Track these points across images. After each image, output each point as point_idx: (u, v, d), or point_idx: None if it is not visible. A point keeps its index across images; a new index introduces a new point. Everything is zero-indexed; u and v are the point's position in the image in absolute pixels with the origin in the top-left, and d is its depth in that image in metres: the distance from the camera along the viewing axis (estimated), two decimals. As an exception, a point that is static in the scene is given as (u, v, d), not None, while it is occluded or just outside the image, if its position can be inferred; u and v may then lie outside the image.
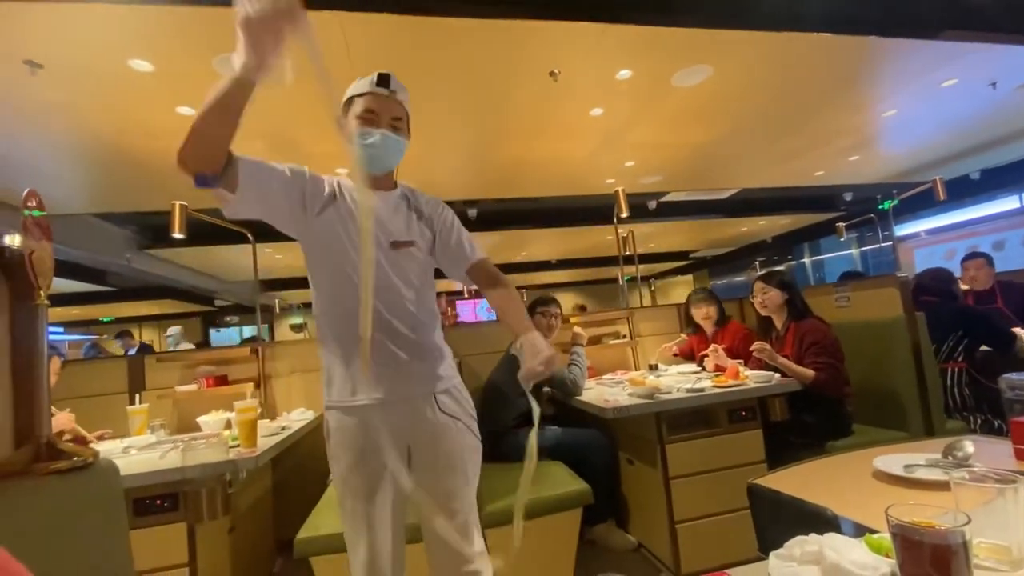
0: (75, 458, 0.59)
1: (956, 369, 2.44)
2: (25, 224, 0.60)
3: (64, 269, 6.16)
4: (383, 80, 1.18)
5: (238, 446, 1.72)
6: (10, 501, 0.56)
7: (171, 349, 5.96)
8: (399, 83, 1.20)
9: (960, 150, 5.98)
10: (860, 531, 0.77)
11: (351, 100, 1.20)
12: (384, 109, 1.18)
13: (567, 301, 12.01)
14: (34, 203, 0.66)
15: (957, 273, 2.89)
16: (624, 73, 3.21)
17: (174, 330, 6.24)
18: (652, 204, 7.12)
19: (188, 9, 2.23)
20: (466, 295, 10.69)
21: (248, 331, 12.80)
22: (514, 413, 2.36)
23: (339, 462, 1.19)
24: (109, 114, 3.15)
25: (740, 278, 12.75)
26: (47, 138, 3.43)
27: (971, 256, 3.12)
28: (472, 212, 6.61)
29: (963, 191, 7.19)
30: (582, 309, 7.92)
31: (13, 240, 0.65)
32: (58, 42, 2.40)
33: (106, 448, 1.94)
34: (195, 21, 2.34)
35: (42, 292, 0.62)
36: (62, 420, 1.93)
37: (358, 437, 1.16)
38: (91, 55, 2.52)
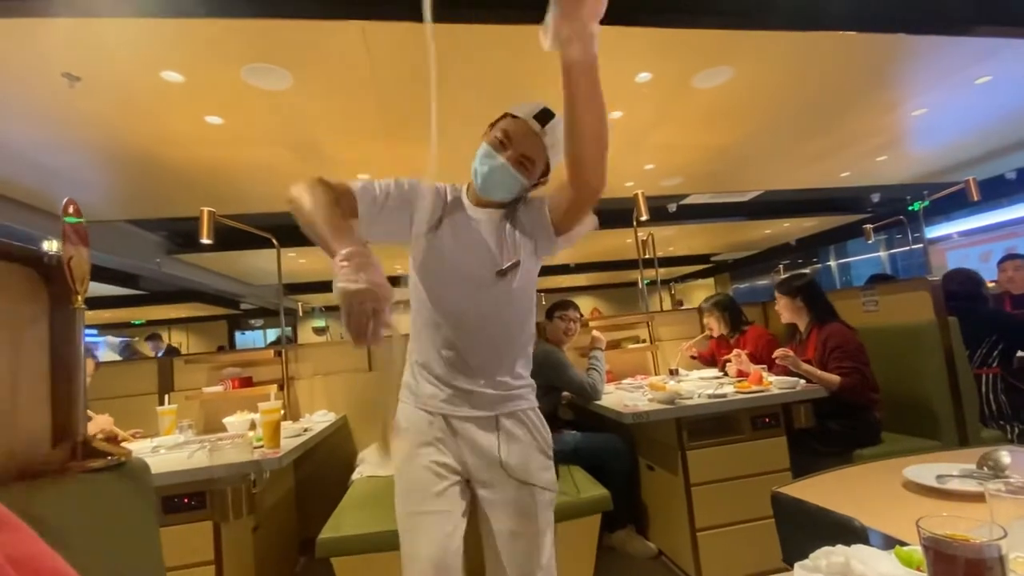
0: (109, 457, 0.62)
1: (991, 375, 2.35)
2: (64, 231, 0.63)
3: (98, 274, 6.40)
4: (542, 115, 1.08)
5: (262, 447, 1.75)
6: (48, 499, 0.58)
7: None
8: (557, 126, 1.05)
9: (994, 149, 5.77)
10: (889, 543, 0.74)
11: (504, 115, 1.13)
12: (520, 141, 1.08)
13: (585, 305, 11.94)
14: (72, 210, 0.69)
15: (991, 275, 2.79)
16: (644, 76, 3.19)
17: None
18: (672, 207, 7.04)
19: (217, 22, 2.31)
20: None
21: (272, 334, 13.07)
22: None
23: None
24: (142, 124, 3.27)
25: (763, 282, 12.51)
26: (84, 148, 3.57)
27: (1009, 257, 3.01)
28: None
29: (998, 191, 6.93)
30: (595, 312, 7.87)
31: (51, 246, 0.68)
32: (95, 55, 2.50)
33: (136, 448, 2.00)
34: (224, 33, 2.42)
35: (79, 296, 0.64)
36: (101, 422, 2.00)
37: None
38: (126, 67, 2.62)
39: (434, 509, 1.08)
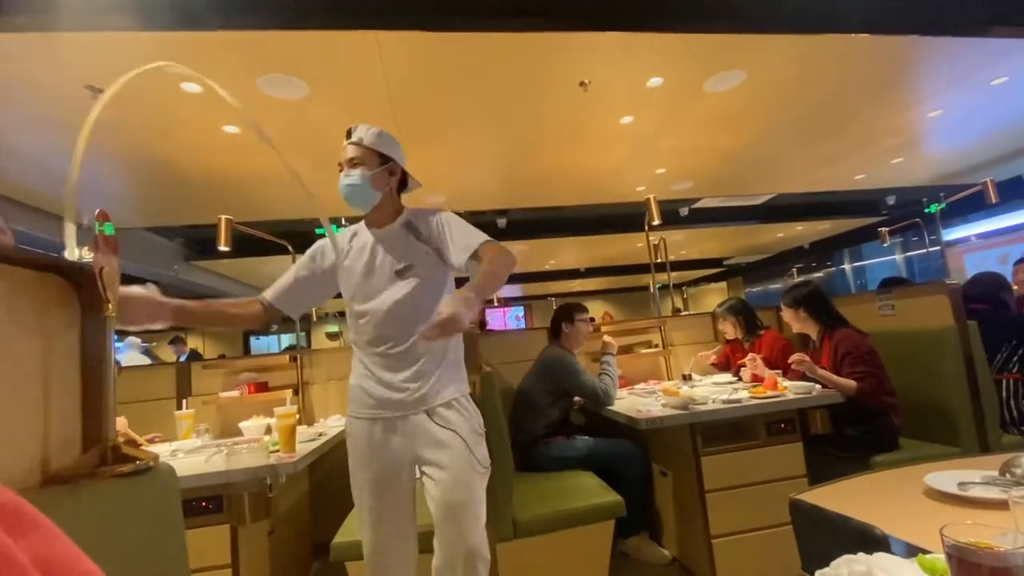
0: (138, 462, 0.63)
1: (1011, 380, 2.30)
2: (96, 241, 0.65)
3: (120, 280, 6.52)
4: (347, 133, 1.40)
5: (278, 451, 1.77)
6: (78, 503, 0.60)
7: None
8: (363, 128, 1.38)
9: (1012, 150, 5.67)
10: (911, 551, 0.74)
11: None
12: (344, 157, 1.37)
13: (597, 309, 11.91)
14: (104, 220, 0.71)
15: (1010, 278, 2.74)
16: (655, 81, 3.19)
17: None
18: (684, 211, 7.01)
19: (232, 34, 2.35)
20: (495, 303, 10.74)
21: (286, 339, 13.18)
22: (544, 422, 2.36)
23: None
24: (161, 134, 3.34)
25: (776, 286, 12.37)
26: (104, 158, 3.66)
27: (1022, 260, 2.96)
28: (502, 221, 6.66)
29: (1017, 193, 6.80)
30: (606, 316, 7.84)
31: (81, 255, 0.70)
32: (116, 68, 2.55)
33: (155, 452, 2.03)
34: (240, 45, 2.47)
35: (111, 305, 0.66)
36: (118, 426, 2.04)
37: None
38: (146, 80, 2.67)
39: None
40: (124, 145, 3.46)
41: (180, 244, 6.59)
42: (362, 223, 1.48)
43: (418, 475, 1.38)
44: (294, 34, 2.40)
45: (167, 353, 6.87)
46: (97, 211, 0.67)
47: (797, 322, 2.38)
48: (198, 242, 6.59)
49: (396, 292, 1.35)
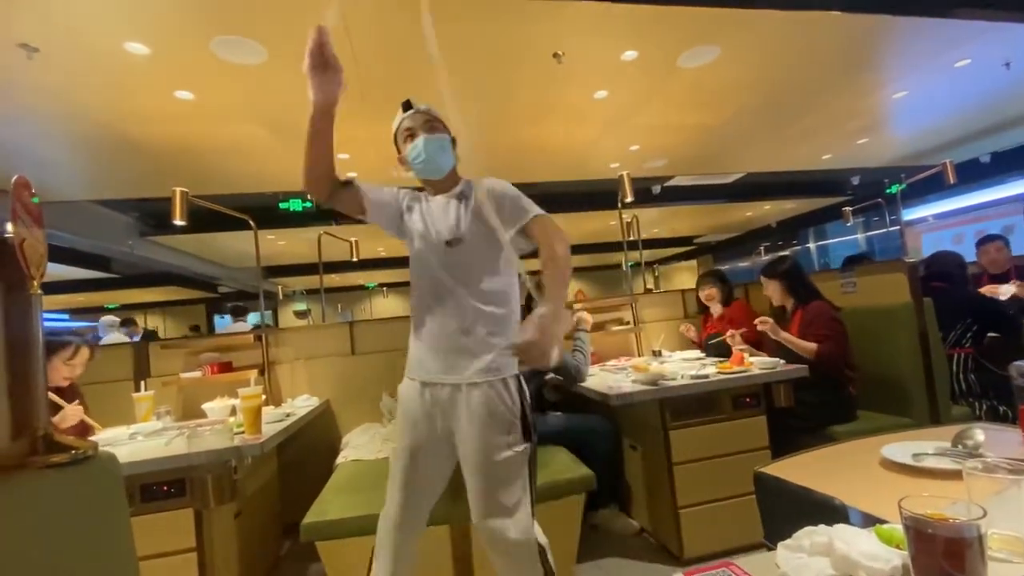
0: (74, 451, 0.59)
1: (963, 355, 2.42)
2: (14, 211, 0.58)
3: (67, 256, 6.16)
4: (406, 105, 1.38)
5: (243, 433, 1.72)
6: (8, 495, 0.55)
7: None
8: (421, 104, 1.38)
9: (971, 132, 5.88)
10: (869, 521, 0.76)
11: (396, 137, 1.40)
12: (416, 122, 1.35)
13: (569, 287, 11.98)
14: (26, 190, 0.64)
15: (969, 257, 2.86)
16: (629, 54, 3.14)
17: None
18: (656, 189, 7.05)
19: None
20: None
21: (252, 318, 12.85)
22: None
23: None
24: (106, 98, 3.12)
25: (744, 264, 12.68)
26: (44, 123, 3.40)
27: (989, 238, 3.07)
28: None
29: (973, 175, 7.09)
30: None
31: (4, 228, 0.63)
32: (53, 25, 2.36)
33: (113, 435, 1.95)
34: (192, 3, 2.29)
35: (36, 282, 0.60)
36: (70, 413, 1.94)
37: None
38: (86, 38, 2.48)
39: None
40: (67, 111, 3.22)
41: (134, 219, 6.26)
42: (420, 193, 1.43)
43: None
44: (251, -7, 2.25)
45: (119, 334, 6.57)
46: (15, 177, 0.60)
47: (776, 293, 2.45)
48: (153, 216, 6.27)
49: (446, 265, 1.30)
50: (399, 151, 1.40)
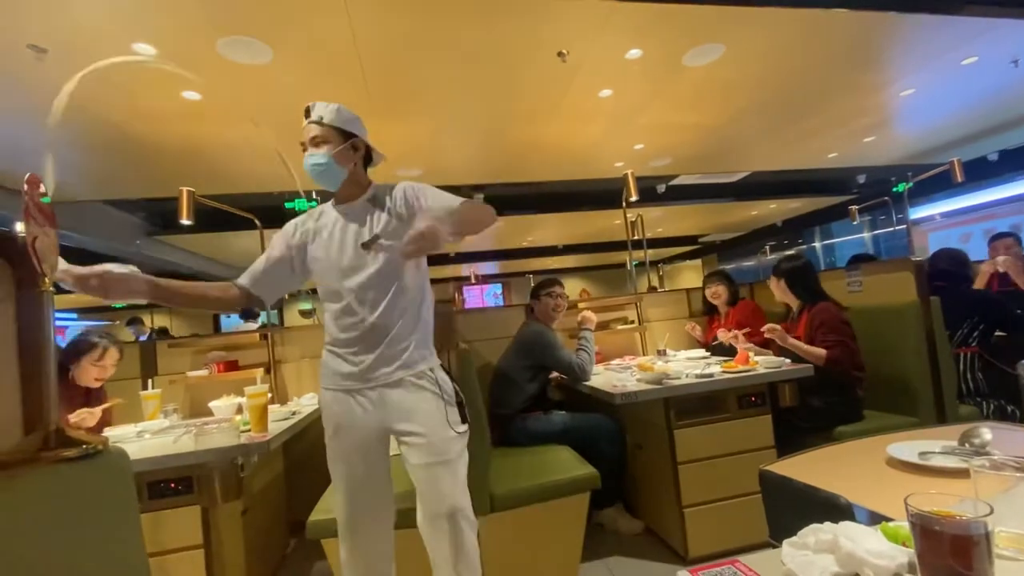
0: (84, 446, 0.59)
1: (969, 354, 2.40)
2: (27, 210, 0.59)
3: (76, 256, 6.21)
4: (306, 112, 1.36)
5: (249, 431, 1.73)
6: (20, 489, 0.56)
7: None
8: (321, 106, 1.35)
9: (978, 130, 5.82)
10: (875, 519, 0.76)
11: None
12: (308, 134, 1.34)
13: (574, 287, 11.97)
14: (37, 189, 0.65)
15: (975, 256, 2.83)
16: (634, 53, 3.13)
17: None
18: (661, 188, 7.03)
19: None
20: (473, 280, 10.69)
21: (262, 318, 12.90)
22: (522, 397, 2.37)
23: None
24: (114, 99, 3.14)
25: (749, 263, 12.62)
26: (56, 124, 3.42)
27: (1001, 236, 3.03)
28: (479, 197, 6.57)
29: (980, 173, 7.02)
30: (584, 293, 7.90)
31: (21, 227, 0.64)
32: (61, 26, 2.38)
33: (120, 433, 1.97)
34: (198, 4, 2.31)
35: (47, 279, 0.61)
36: (88, 416, 1.96)
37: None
38: (95, 39, 2.50)
39: None
40: (74, 111, 3.24)
41: (142, 218, 6.30)
42: (329, 203, 1.45)
43: (396, 449, 1.38)
44: (257, -7, 2.26)
45: (126, 334, 6.64)
46: (28, 175, 0.61)
47: (781, 292, 2.43)
48: (160, 216, 6.30)
49: (364, 268, 1.33)
50: None
